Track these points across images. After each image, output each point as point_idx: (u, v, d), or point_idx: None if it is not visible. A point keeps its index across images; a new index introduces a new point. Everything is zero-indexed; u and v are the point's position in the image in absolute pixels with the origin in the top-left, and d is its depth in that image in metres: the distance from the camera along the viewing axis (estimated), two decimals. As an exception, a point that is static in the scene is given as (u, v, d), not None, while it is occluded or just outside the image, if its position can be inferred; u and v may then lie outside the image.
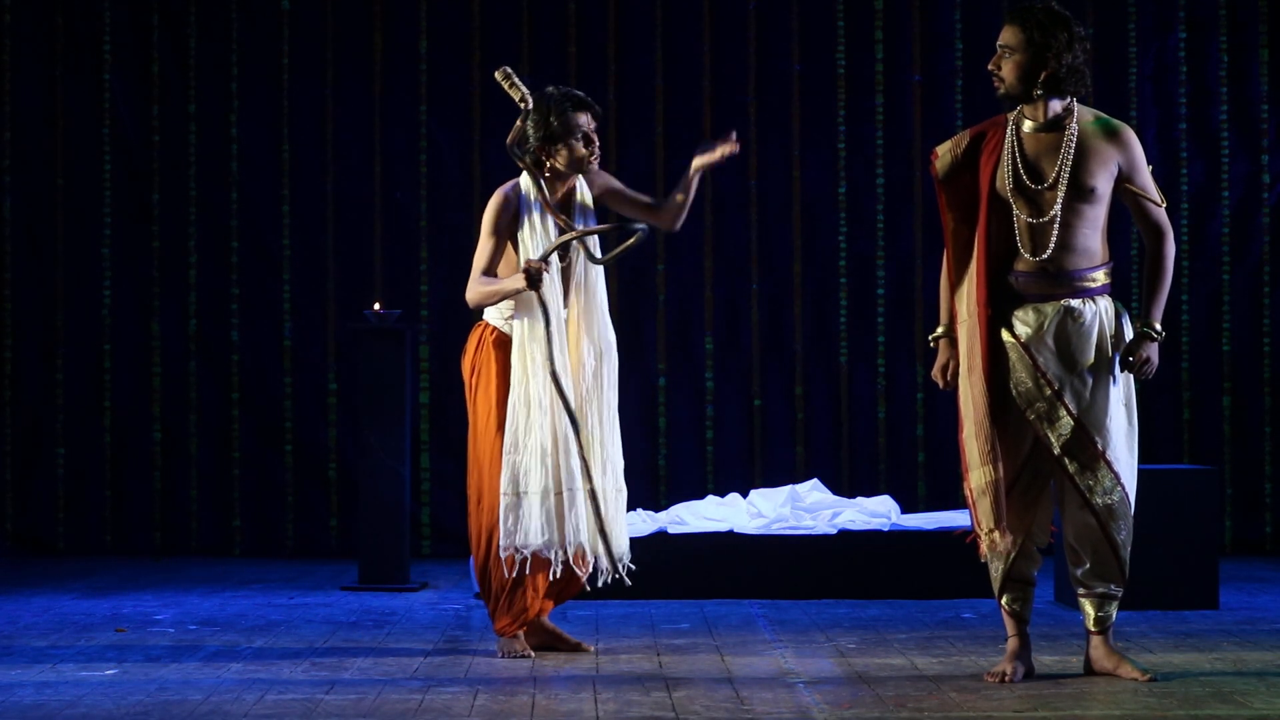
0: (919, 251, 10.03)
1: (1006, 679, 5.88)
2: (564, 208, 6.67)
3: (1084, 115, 5.92)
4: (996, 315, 5.89)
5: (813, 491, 8.66)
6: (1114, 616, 5.97)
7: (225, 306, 10.07)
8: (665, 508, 9.02)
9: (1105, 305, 5.92)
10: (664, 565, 8.18)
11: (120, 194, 10.10)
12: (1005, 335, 5.90)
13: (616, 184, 6.82)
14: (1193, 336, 10.05)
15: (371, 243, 10.05)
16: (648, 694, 5.73)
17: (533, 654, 6.51)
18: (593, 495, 6.49)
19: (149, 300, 10.09)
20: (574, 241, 6.63)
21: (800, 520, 8.38)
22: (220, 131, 10.09)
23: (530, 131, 6.59)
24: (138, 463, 10.06)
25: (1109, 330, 5.90)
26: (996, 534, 5.85)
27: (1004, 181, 5.88)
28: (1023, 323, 5.89)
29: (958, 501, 9.85)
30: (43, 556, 9.93)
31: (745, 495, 8.71)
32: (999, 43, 5.91)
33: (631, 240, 6.62)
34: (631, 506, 9.11)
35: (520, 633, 6.56)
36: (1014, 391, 5.88)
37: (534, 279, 6.44)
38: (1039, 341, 5.87)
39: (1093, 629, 5.98)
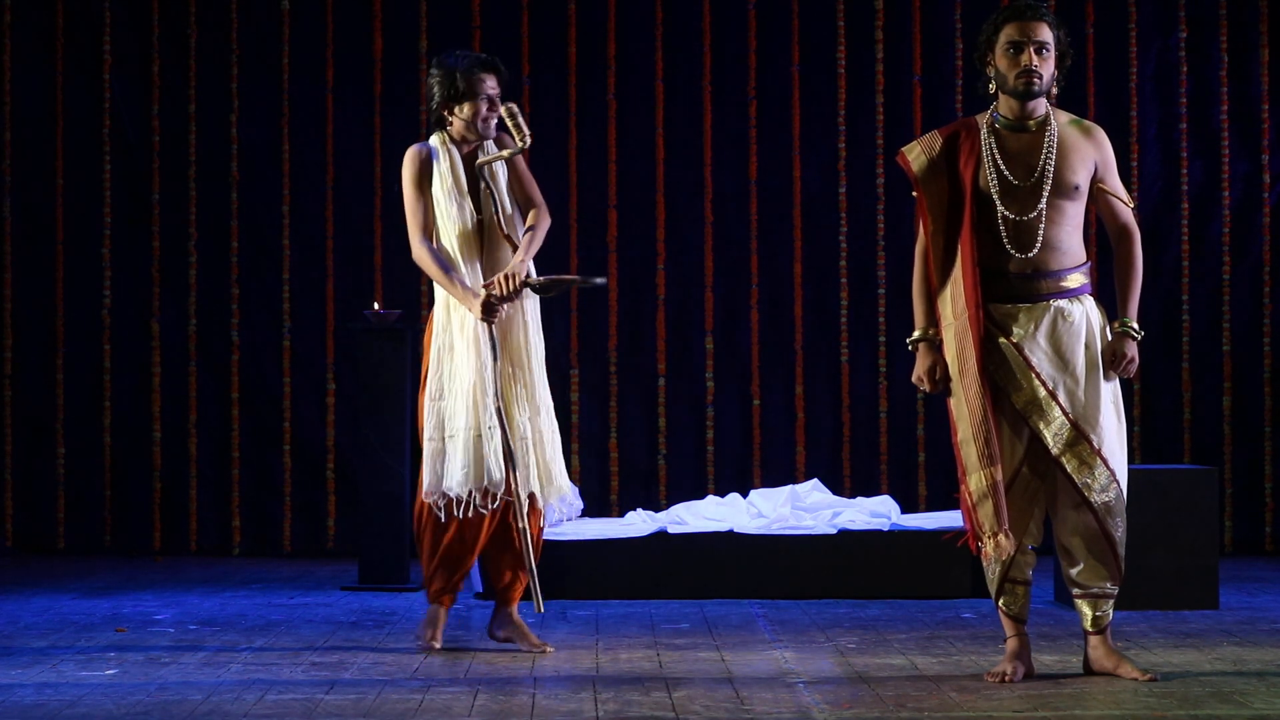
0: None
1: (1006, 679, 5.88)
2: (468, 170, 6.67)
3: (1059, 115, 5.95)
4: (987, 316, 5.89)
5: (813, 491, 8.65)
6: (1111, 616, 5.97)
7: (225, 306, 10.07)
8: (665, 508, 9.03)
9: (1090, 305, 5.95)
10: (664, 565, 8.18)
11: (120, 194, 10.10)
12: (998, 335, 5.89)
13: (525, 177, 6.74)
14: (1193, 336, 10.05)
15: (371, 243, 10.05)
16: (648, 694, 5.73)
17: (437, 645, 6.57)
18: (506, 442, 6.55)
19: (149, 300, 10.09)
20: (496, 210, 6.63)
21: (800, 520, 8.37)
22: (220, 131, 10.09)
23: (435, 89, 6.62)
24: (138, 463, 10.06)
25: (1096, 330, 5.93)
26: (1001, 537, 5.84)
27: (987, 181, 5.88)
28: (1014, 323, 5.89)
29: (958, 502, 9.85)
30: (43, 556, 9.93)
31: (745, 495, 8.71)
32: (1037, 38, 5.87)
33: (580, 282, 6.75)
34: (631, 506, 9.15)
35: (443, 610, 6.65)
36: (1008, 391, 5.88)
37: (489, 311, 6.51)
38: (1032, 341, 5.87)
39: (1090, 629, 5.98)
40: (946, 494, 9.91)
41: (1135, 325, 5.95)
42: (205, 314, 10.07)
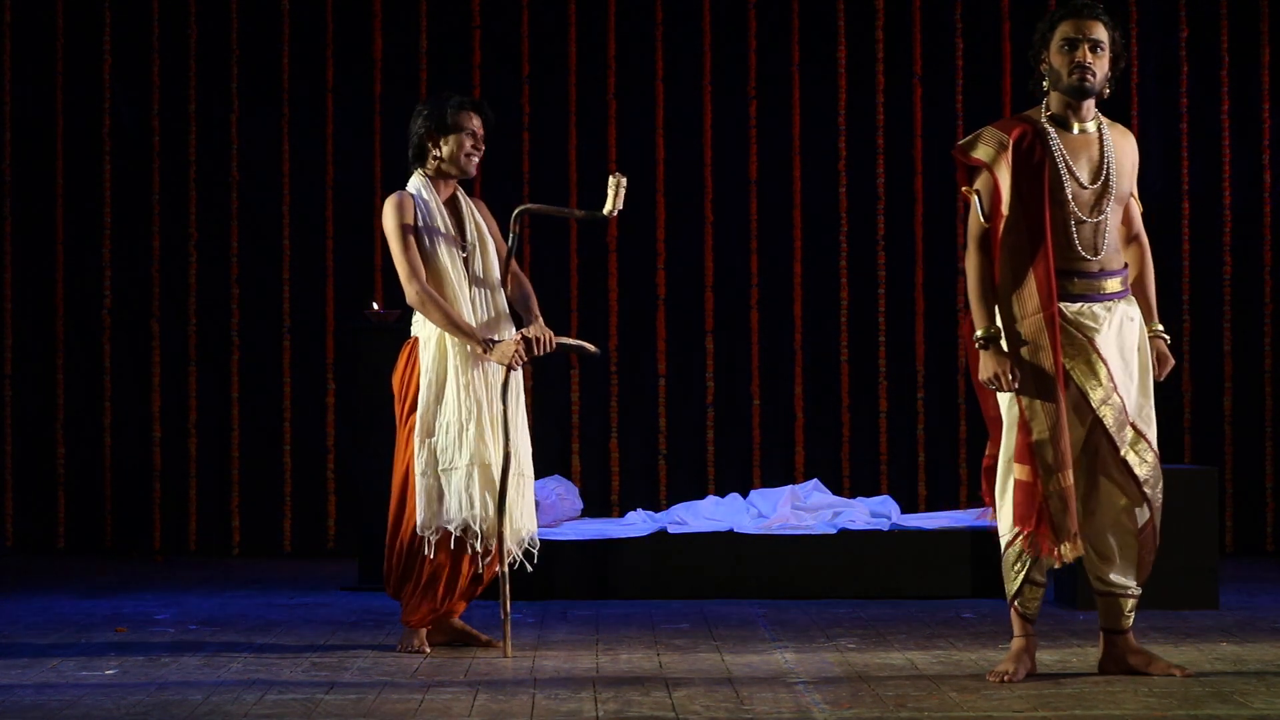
0: (919, 251, 10.02)
1: (1009, 679, 5.88)
2: (451, 211, 6.69)
3: (1102, 118, 5.95)
4: (1060, 315, 5.83)
5: (813, 492, 8.66)
6: (1132, 620, 6.00)
7: (225, 306, 10.07)
8: (665, 508, 9.02)
9: (1138, 306, 5.95)
10: (664, 565, 8.19)
11: (120, 194, 10.10)
12: (1077, 335, 5.85)
13: (496, 231, 6.82)
14: (1193, 336, 10.05)
15: (371, 243, 10.05)
16: (648, 694, 5.73)
17: (429, 650, 6.61)
18: (503, 479, 6.55)
19: (149, 300, 10.09)
20: (475, 240, 6.67)
21: (800, 520, 8.38)
22: (220, 131, 10.09)
23: (421, 121, 6.62)
24: (138, 463, 10.06)
25: (1144, 332, 5.94)
26: (1077, 540, 5.82)
27: (1059, 182, 5.84)
28: (1089, 320, 5.85)
29: (957, 502, 9.86)
30: (43, 556, 9.93)
31: (745, 495, 8.71)
32: (1091, 36, 5.88)
33: (581, 350, 6.80)
34: (631, 506, 9.16)
35: (425, 629, 6.67)
36: (1084, 390, 5.83)
37: (515, 360, 6.54)
38: (1104, 340, 5.85)
39: (1114, 628, 5.98)
40: (946, 494, 9.92)
41: (1162, 328, 6.00)
42: (205, 314, 10.08)
